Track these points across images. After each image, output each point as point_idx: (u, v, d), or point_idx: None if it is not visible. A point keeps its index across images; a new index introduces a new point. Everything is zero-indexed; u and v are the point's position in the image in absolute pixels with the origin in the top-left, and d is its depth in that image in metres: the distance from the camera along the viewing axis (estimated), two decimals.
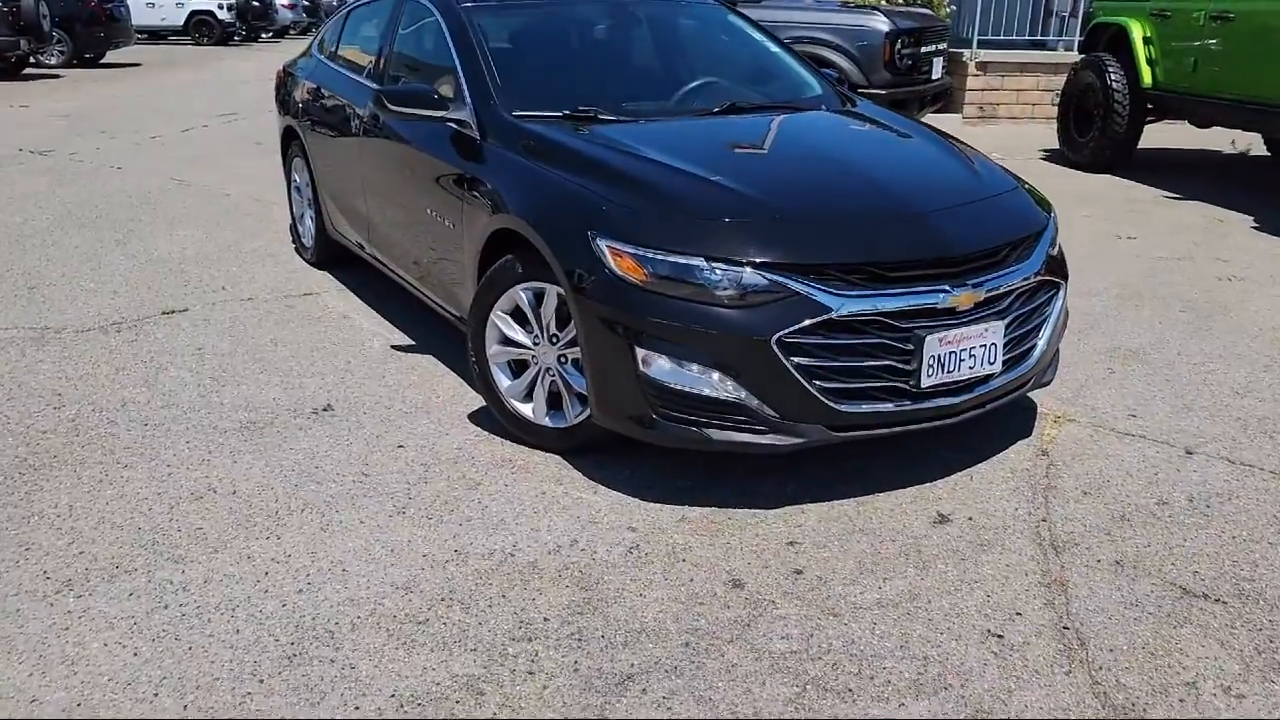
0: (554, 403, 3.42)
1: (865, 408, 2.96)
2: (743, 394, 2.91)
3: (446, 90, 3.91)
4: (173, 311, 4.90)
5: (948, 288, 2.95)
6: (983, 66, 11.75)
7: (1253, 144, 9.82)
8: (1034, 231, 3.29)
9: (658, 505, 3.09)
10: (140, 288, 5.28)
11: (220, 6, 27.13)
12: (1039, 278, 3.24)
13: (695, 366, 2.92)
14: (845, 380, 2.92)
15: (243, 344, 4.47)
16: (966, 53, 11.65)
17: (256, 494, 3.16)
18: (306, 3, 35.95)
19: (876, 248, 2.96)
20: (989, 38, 12.42)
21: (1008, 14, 12.38)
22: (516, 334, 3.43)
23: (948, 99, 9.16)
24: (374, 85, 4.58)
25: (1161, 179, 8.42)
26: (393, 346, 4.47)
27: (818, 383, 2.89)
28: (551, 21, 4.36)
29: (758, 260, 2.88)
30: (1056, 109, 9.45)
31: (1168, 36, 8.14)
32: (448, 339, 4.47)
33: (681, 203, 3.06)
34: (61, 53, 18.65)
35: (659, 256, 2.93)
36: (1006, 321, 3.09)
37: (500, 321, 3.45)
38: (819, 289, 2.86)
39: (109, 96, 14.29)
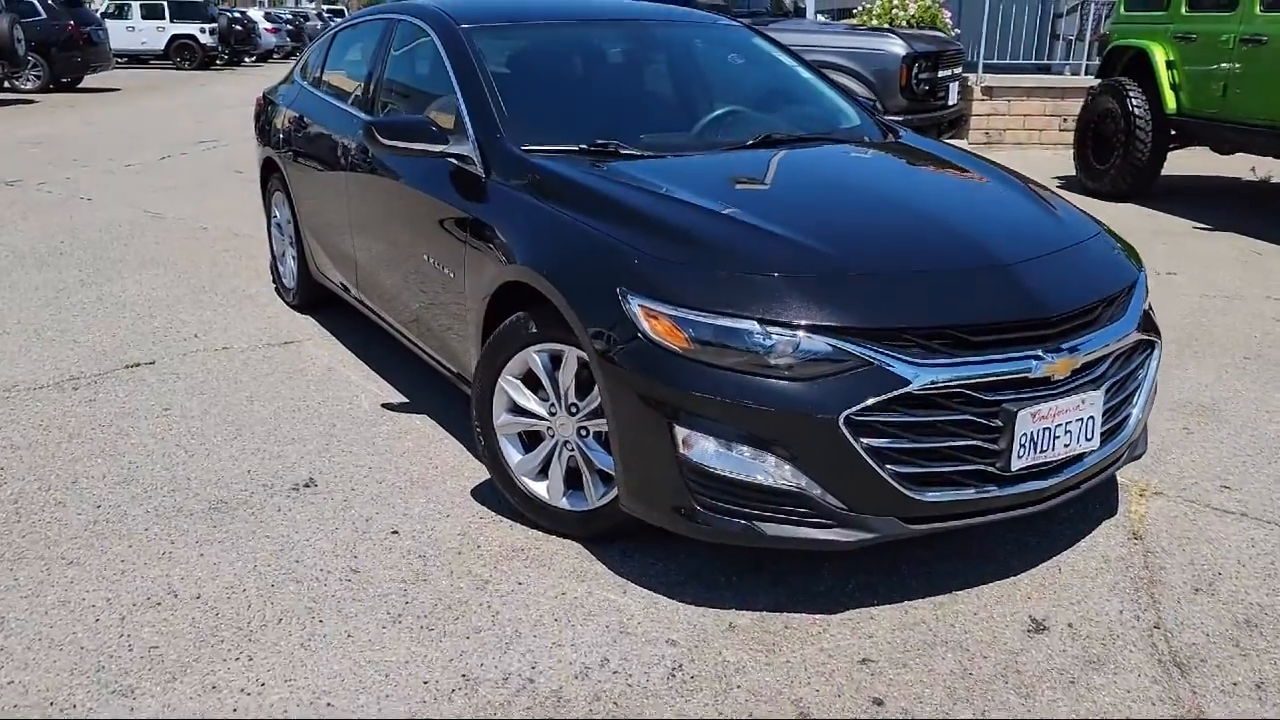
0: (573, 481, 2.96)
1: (945, 496, 2.51)
2: (803, 481, 2.46)
3: (445, 121, 3.46)
4: (138, 364, 4.42)
5: (1041, 353, 2.51)
6: (988, 91, 11.41)
7: (1273, 171, 9.48)
8: (1127, 284, 2.86)
9: (699, 609, 2.63)
10: (104, 336, 4.80)
11: (202, 30, 26.71)
12: (1135, 338, 2.80)
13: (746, 449, 2.46)
14: (923, 464, 2.47)
15: (215, 403, 3.99)
16: (972, 77, 11.31)
17: (225, 598, 2.67)
18: (290, 27, 35.59)
19: (958, 307, 2.52)
20: (993, 61, 12.10)
21: (1013, 38, 12.07)
22: (529, 402, 2.98)
23: (962, 125, 8.78)
24: (363, 115, 4.14)
25: (1186, 208, 8.05)
26: (383, 405, 4.00)
27: (891, 467, 2.44)
28: (561, 45, 3.93)
29: (820, 324, 2.44)
30: (1073, 134, 9.08)
31: (1193, 60, 7.79)
32: (445, 396, 4.01)
33: (727, 254, 2.61)
34: (37, 77, 18.15)
35: (702, 319, 2.48)
36: (1104, 389, 2.65)
37: (510, 388, 2.99)
38: (894, 357, 2.41)
39: (84, 123, 13.80)
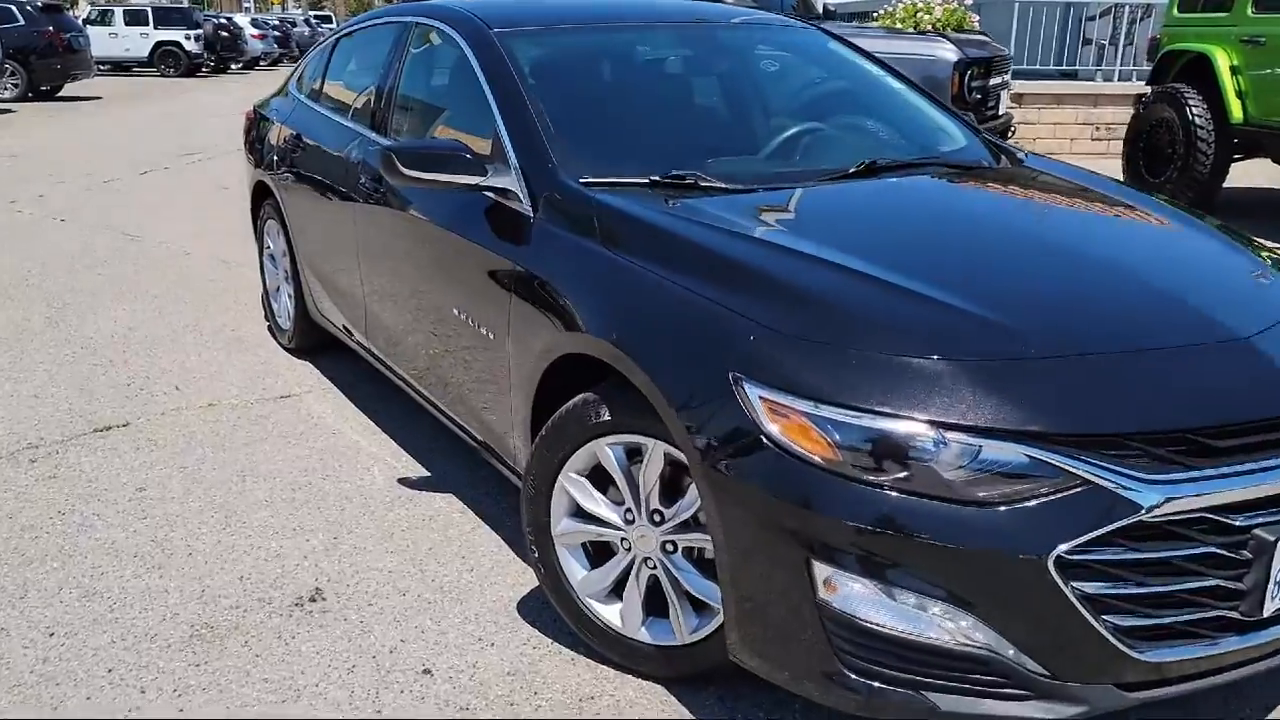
0: (654, 605, 2.32)
1: (1175, 653, 1.88)
2: (991, 640, 1.82)
3: (479, 147, 2.83)
4: (109, 428, 3.76)
5: None
6: (1017, 98, 10.82)
7: None
8: None
9: None
10: (70, 389, 4.14)
11: (187, 37, 26.02)
12: None
13: (912, 597, 1.83)
14: (1150, 613, 1.84)
15: (199, 481, 3.34)
16: None
17: None
18: (277, 33, 34.90)
19: (1197, 400, 1.90)
20: (1020, 67, 11.52)
21: (1043, 43, 11.50)
22: (598, 506, 2.34)
23: (1010, 136, 8.19)
24: (373, 136, 3.50)
25: (1256, 225, 7.46)
26: (400, 481, 3.36)
27: (1110, 619, 1.81)
28: (614, 52, 3.30)
29: (1016, 427, 1.81)
30: (1122, 145, 8.48)
31: (1263, 65, 7.20)
32: (470, 465, 3.38)
33: (877, 328, 1.98)
34: (15, 85, 17.46)
35: (851, 418, 1.85)
36: None
37: (574, 487, 2.36)
38: (1119, 473, 1.79)
39: (63, 134, 13.12)
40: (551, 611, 2.54)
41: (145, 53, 26.20)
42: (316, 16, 47.77)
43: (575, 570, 2.41)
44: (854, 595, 1.86)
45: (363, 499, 3.23)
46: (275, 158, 4.38)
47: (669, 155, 2.78)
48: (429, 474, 3.41)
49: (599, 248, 2.41)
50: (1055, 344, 1.96)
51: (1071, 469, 1.78)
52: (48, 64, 17.79)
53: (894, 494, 1.81)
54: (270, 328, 4.88)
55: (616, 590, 2.38)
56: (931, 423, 1.82)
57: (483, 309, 2.73)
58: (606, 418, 2.27)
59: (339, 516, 3.12)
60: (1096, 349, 1.96)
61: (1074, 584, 1.78)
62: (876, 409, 1.84)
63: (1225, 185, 8.13)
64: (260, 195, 4.70)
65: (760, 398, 1.92)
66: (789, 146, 3.04)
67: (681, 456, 2.11)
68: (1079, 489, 1.78)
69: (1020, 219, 2.64)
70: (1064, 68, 12.04)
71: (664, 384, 2.08)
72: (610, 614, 2.38)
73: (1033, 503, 1.78)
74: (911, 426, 1.83)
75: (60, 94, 18.76)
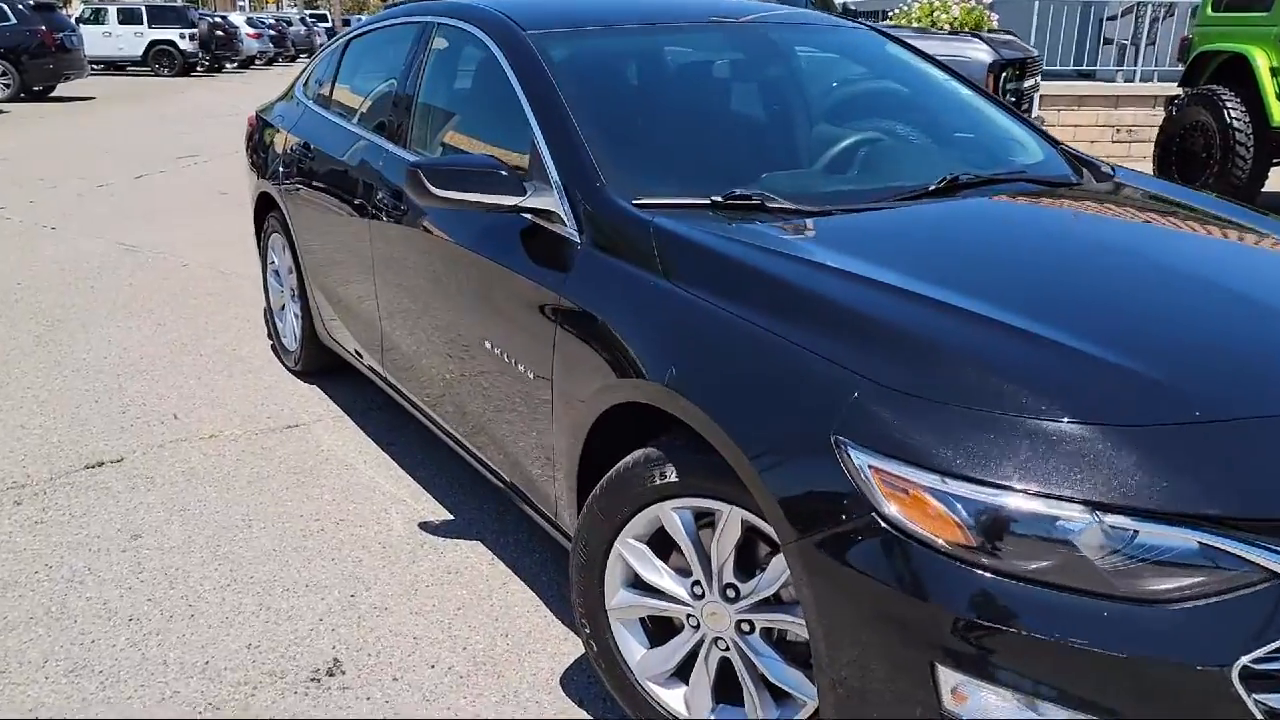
0: (725, 690, 2.03)
1: None
2: None
3: (514, 162, 2.53)
4: (101, 464, 3.45)
5: None
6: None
7: None
8: None
9: None
10: (60, 418, 3.83)
11: (182, 36, 25.66)
12: None
13: (1060, 711, 1.53)
14: None
15: (200, 528, 3.04)
16: None
17: None
18: (273, 32, 34.55)
19: None
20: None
21: (1062, 43, 11.21)
22: (661, 577, 2.05)
23: None
24: (390, 146, 3.20)
25: None
26: (421, 526, 3.06)
27: None
28: (657, 56, 2.99)
29: (1185, 509, 1.51)
30: (1153, 149, 8.20)
31: None
32: (499, 507, 3.08)
33: (1013, 387, 1.67)
34: (6, 86, 17.12)
35: (986, 495, 1.55)
36: None
37: (632, 555, 2.07)
38: None
39: (55, 136, 12.79)
40: (600, 688, 2.25)
41: (139, 52, 25.84)
42: (312, 16, 47.37)
43: (633, 649, 2.12)
44: (988, 707, 1.56)
45: (381, 548, 2.93)
46: (281, 168, 4.07)
47: (728, 171, 2.49)
48: (453, 518, 3.11)
49: (659, 280, 2.10)
50: (1221, 404, 1.66)
51: (1256, 559, 1.48)
52: (40, 64, 17.45)
53: (1039, 588, 1.52)
54: (274, 347, 4.58)
55: (681, 673, 2.09)
56: (1085, 502, 1.52)
57: (520, 344, 2.43)
58: (673, 478, 1.97)
59: (355, 569, 2.81)
60: (1272, 409, 1.66)
61: (1257, 696, 1.48)
62: (1017, 485, 1.55)
63: (1263, 190, 7.85)
64: (264, 207, 4.39)
65: (871, 467, 1.62)
66: (856, 160, 2.74)
67: (764, 526, 1.82)
68: (1265, 584, 1.48)
69: (1144, 247, 2.33)
70: (1083, 68, 11.76)
71: (745, 444, 1.78)
72: (673, 700, 2.09)
73: (1209, 600, 1.48)
74: (1059, 507, 1.53)
75: (53, 94, 18.41)
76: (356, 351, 3.62)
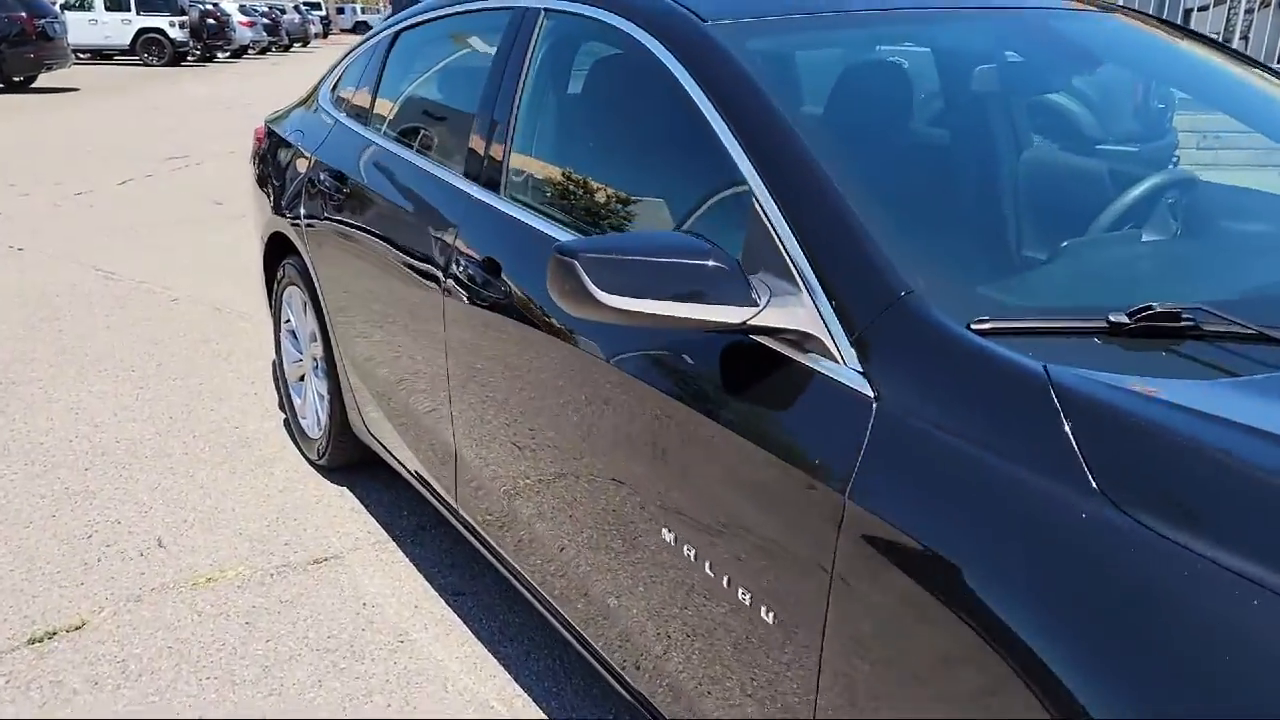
0: None
1: None
2: None
3: (692, 228, 1.53)
4: (53, 634, 2.44)
5: None
6: None
7: None
8: None
9: None
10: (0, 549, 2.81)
11: (171, 24, 24.50)
12: None
13: None
14: None
15: None
16: None
17: None
18: (267, 20, 33.37)
19: None
20: None
21: None
22: None
23: None
24: (474, 191, 2.19)
25: None
26: None
27: None
28: (932, 65, 1.97)
29: None
30: None
31: None
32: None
33: None
34: None
35: None
36: None
37: None
38: None
39: (33, 133, 11.71)
40: None
41: (127, 40, 24.66)
42: (306, 3, 46.10)
43: None
44: None
45: None
46: (303, 202, 3.05)
47: (1104, 262, 1.48)
48: None
49: (1093, 503, 1.08)
50: None
51: None
52: (20, 53, 16.31)
53: None
54: (287, 421, 3.56)
55: None
56: None
57: (741, 558, 1.43)
58: None
59: None
60: None
61: None
62: None
63: None
64: (277, 249, 3.37)
65: None
66: (1240, 225, 1.74)
67: None
68: None
69: None
70: None
71: None
72: None
73: None
74: None
75: (34, 86, 17.29)
76: (418, 474, 2.61)
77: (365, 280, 2.65)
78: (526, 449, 1.97)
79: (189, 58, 26.09)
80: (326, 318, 2.97)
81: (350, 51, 3.23)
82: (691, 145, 1.68)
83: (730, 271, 1.40)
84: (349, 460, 3.21)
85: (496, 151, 2.18)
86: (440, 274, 2.22)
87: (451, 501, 2.40)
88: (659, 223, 1.76)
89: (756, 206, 1.51)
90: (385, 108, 2.87)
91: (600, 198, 1.94)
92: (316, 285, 3.00)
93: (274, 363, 4.14)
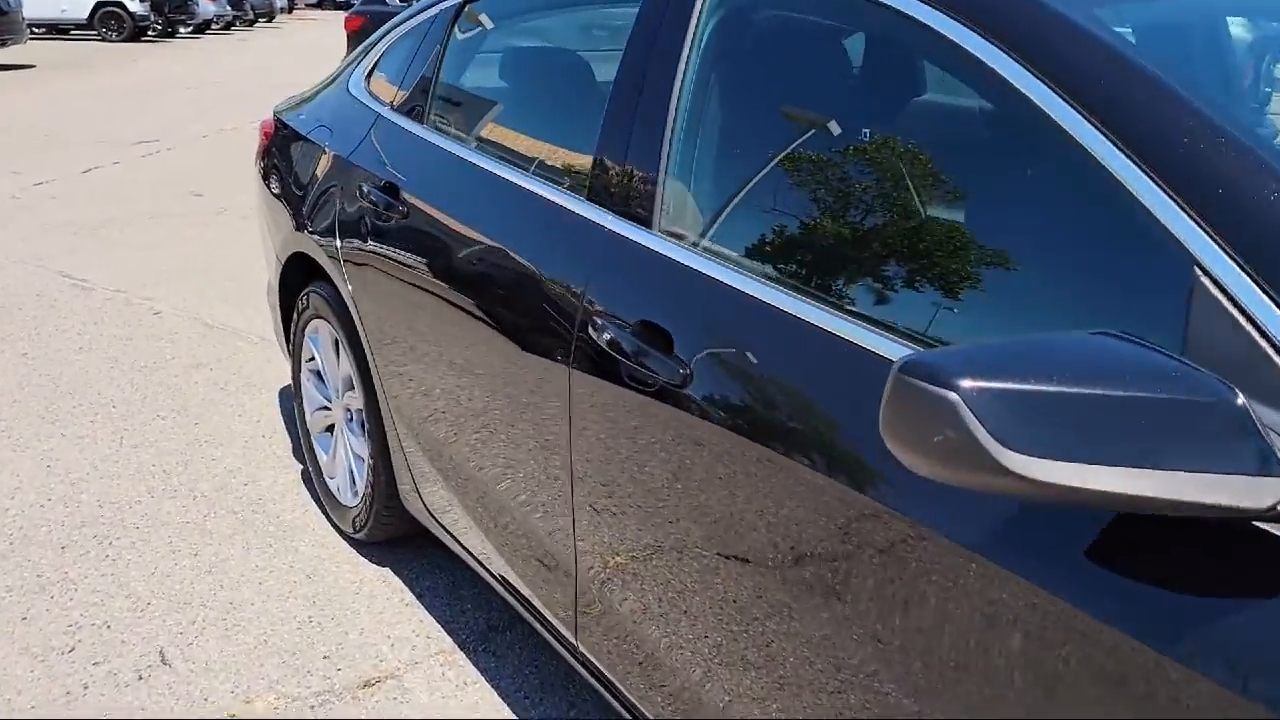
0: None
1: None
2: None
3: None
4: None
5: None
6: None
7: None
8: None
9: None
10: None
11: None
12: None
13: None
14: None
15: None
16: None
17: None
18: None
19: None
20: None
21: None
22: None
23: None
24: (627, 228, 1.57)
25: None
26: None
27: None
28: None
29: None
30: None
31: None
32: None
33: None
34: None
35: None
36: None
37: None
38: None
39: None
40: None
41: (84, 14, 23.53)
42: None
43: None
44: None
45: None
46: (336, 218, 2.42)
47: None
48: None
49: None
50: None
51: None
52: None
53: None
54: (305, 472, 2.95)
55: None
56: None
57: None
58: None
59: None
60: None
61: None
62: None
63: None
64: (299, 272, 2.74)
65: None
66: None
67: None
68: None
69: None
70: None
71: None
72: None
73: None
74: None
75: None
76: (503, 578, 2.01)
77: (429, 325, 2.04)
78: (717, 598, 1.37)
79: (149, 33, 25.04)
80: (371, 364, 2.35)
81: (393, 27, 2.58)
82: (1019, 167, 1.08)
83: (1240, 416, 0.81)
84: (393, 535, 2.60)
85: (642, 168, 1.57)
86: (564, 337, 1.61)
87: (568, 635, 1.79)
88: (990, 292, 1.16)
89: (1205, 282, 0.92)
90: (452, 101, 2.24)
91: (843, 239, 1.34)
92: (358, 324, 2.37)
93: (282, 390, 3.53)
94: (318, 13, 43.39)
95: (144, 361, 3.89)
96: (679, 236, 1.51)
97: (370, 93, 2.55)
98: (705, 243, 1.48)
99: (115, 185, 7.22)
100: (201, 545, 2.67)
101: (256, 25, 32.92)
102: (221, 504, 2.88)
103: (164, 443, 3.24)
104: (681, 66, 1.55)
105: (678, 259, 1.47)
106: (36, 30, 21.40)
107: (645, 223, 1.55)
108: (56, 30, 23.97)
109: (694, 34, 1.55)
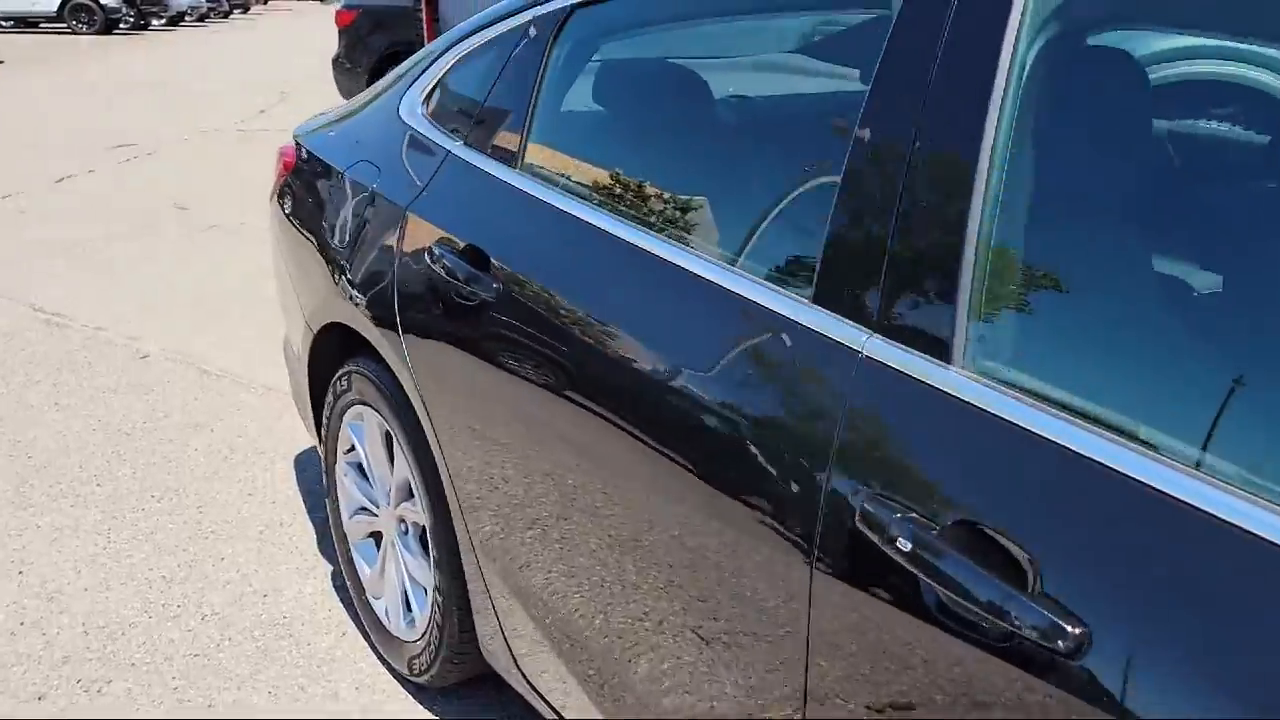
0: None
1: None
2: None
3: None
4: None
5: None
6: None
7: None
8: None
9: None
10: None
11: None
12: None
13: None
14: None
15: None
16: None
17: None
18: None
19: None
20: None
21: None
22: None
23: None
24: (934, 367, 1.02)
25: None
26: None
27: None
28: None
29: None
30: None
31: None
32: None
33: None
34: None
35: None
36: None
37: None
38: None
39: None
40: None
41: (54, 7, 22.71)
42: None
43: None
44: None
45: None
46: (394, 285, 1.86)
47: None
48: None
49: None
50: None
51: None
52: None
53: None
54: (338, 576, 2.39)
55: None
56: None
57: None
58: None
59: None
60: None
61: None
62: None
63: None
64: (336, 344, 2.17)
65: None
66: None
67: None
68: None
69: None
70: None
71: None
72: None
73: None
74: None
75: None
76: None
77: (536, 437, 1.49)
78: None
79: (121, 26, 24.23)
80: (444, 474, 1.80)
81: (459, 34, 2.01)
82: None
83: None
84: (463, 678, 2.05)
85: (927, 273, 1.03)
86: (800, 518, 1.07)
87: None
88: None
89: None
90: (559, 139, 1.68)
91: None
92: (424, 420, 1.82)
93: (297, 458, 2.98)
94: (292, 3, 42.47)
95: (132, 422, 3.32)
96: (992, 377, 0.98)
97: (432, 122, 1.98)
98: (1028, 382, 0.94)
99: (91, 196, 6.60)
100: (217, 691, 2.11)
101: (231, 17, 32.07)
102: (237, 625, 2.32)
103: (161, 535, 2.67)
104: (993, 114, 1.01)
105: (989, 409, 0.93)
106: (3, 24, 20.60)
107: (938, 353, 1.01)
108: (25, 23, 23.14)
109: (1009, 65, 1.01)
